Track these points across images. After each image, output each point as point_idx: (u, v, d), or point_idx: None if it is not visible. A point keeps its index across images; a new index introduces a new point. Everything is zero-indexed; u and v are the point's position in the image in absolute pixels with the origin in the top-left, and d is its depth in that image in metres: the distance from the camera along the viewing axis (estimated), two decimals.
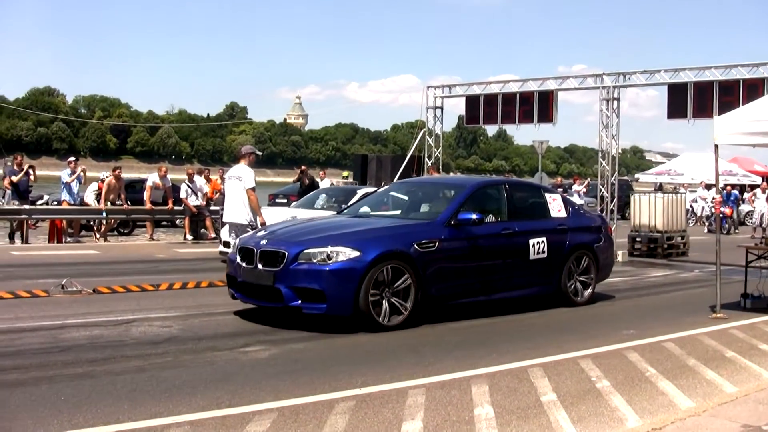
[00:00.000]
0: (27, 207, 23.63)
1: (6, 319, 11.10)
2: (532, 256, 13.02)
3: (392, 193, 14.77)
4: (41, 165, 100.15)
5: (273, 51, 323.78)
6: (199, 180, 26.46)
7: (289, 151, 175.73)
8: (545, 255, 13.19)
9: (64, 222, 24.49)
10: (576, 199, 37.14)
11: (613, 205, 23.64)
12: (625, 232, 24.97)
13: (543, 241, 13.15)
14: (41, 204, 27.58)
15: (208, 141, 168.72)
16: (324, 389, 7.87)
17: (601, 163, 23.61)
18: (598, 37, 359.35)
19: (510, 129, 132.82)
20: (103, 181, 26.88)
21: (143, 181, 29.03)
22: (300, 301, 10.77)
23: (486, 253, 12.50)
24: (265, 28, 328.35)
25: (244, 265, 11.48)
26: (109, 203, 25.03)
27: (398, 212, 13.52)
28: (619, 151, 25.09)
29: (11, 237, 23.62)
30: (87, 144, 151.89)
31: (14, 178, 23.97)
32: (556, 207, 13.97)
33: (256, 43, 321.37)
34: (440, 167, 27.00)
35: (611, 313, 13.76)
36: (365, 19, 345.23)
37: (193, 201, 25.11)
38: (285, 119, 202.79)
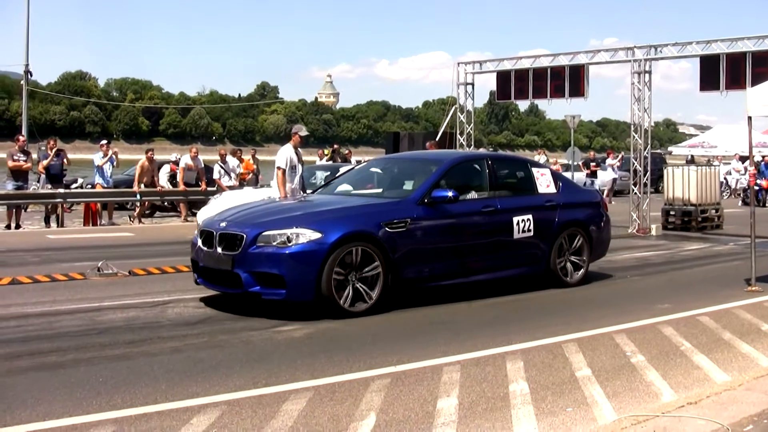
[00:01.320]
0: (61, 191, 23.81)
1: (44, 302, 11.24)
2: (516, 235, 12.34)
3: (372, 169, 14.23)
4: (74, 149, 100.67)
5: (303, 30, 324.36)
6: (232, 160, 26.56)
7: (321, 129, 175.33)
8: (531, 233, 12.50)
9: (98, 205, 24.66)
10: (610, 173, 37.29)
11: (647, 179, 23.48)
12: (658, 206, 24.83)
13: (529, 219, 12.46)
14: (75, 187, 27.81)
15: (240, 121, 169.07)
16: (359, 367, 7.91)
17: (634, 137, 23.42)
18: (630, 9, 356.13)
19: (542, 104, 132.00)
20: (175, 163, 27.23)
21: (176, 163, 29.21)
22: (259, 287, 10.27)
23: (464, 232, 11.91)
24: (294, 6, 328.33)
25: (204, 249, 10.99)
26: (142, 185, 25.19)
27: (379, 190, 12.92)
28: (652, 124, 24.84)
29: (47, 221, 23.85)
30: (119, 127, 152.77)
31: (44, 162, 24.21)
32: (544, 182, 13.22)
33: (285, 23, 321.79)
34: (472, 143, 26.91)
35: (645, 288, 13.71)
36: None
37: (226, 181, 25.21)
38: (316, 98, 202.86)
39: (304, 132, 15.67)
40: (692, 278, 15.06)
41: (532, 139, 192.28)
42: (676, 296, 12.38)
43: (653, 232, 22.74)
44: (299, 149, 15.71)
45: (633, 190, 23.85)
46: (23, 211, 24.35)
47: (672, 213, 24.38)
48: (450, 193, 11.42)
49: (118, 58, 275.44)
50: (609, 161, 38.42)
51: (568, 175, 38.82)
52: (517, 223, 12.33)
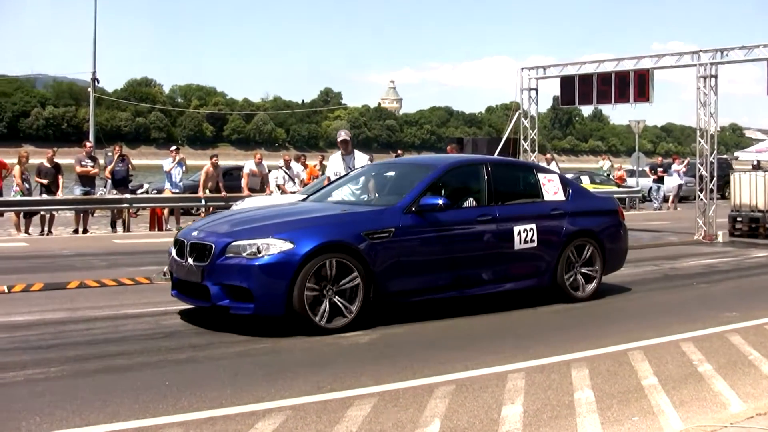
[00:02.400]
0: (127, 196, 24.15)
1: (111, 306, 11.40)
2: (517, 246, 11.46)
3: (367, 175, 13.04)
4: (140, 154, 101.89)
5: (366, 35, 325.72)
6: (296, 166, 26.65)
7: (384, 135, 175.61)
8: (535, 244, 11.63)
9: (165, 210, 24.96)
10: (675, 179, 36.93)
11: (713, 185, 23.19)
12: (725, 212, 24.48)
13: (532, 228, 11.59)
14: (141, 193, 28.16)
15: (304, 127, 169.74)
16: (423, 374, 7.91)
17: (699, 142, 23.16)
18: (694, 11, 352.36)
19: (606, 109, 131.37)
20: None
21: (240, 169, 29.42)
22: (228, 300, 9.66)
23: (457, 243, 11.06)
24: (357, 13, 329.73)
25: (177, 259, 10.42)
26: (207, 191, 25.42)
27: (374, 197, 12.08)
28: (718, 129, 24.55)
29: (113, 225, 24.18)
30: (184, 133, 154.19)
31: (108, 167, 24.62)
32: (551, 189, 12.33)
33: (349, 28, 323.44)
34: (536, 148, 26.78)
35: (712, 295, 13.53)
36: (457, 1, 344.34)
37: (290, 187, 25.28)
38: (379, 103, 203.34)
39: (340, 137, 15.35)
40: (760, 286, 14.82)
41: (596, 144, 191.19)
42: (743, 304, 12.20)
43: (720, 239, 22.46)
44: (357, 153, 15.24)
45: (699, 196, 23.57)
46: (90, 215, 24.74)
47: (739, 219, 24.00)
48: (440, 201, 10.69)
49: (182, 64, 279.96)
50: (674, 167, 38.05)
51: (632, 180, 38.77)
52: (518, 233, 11.53)
